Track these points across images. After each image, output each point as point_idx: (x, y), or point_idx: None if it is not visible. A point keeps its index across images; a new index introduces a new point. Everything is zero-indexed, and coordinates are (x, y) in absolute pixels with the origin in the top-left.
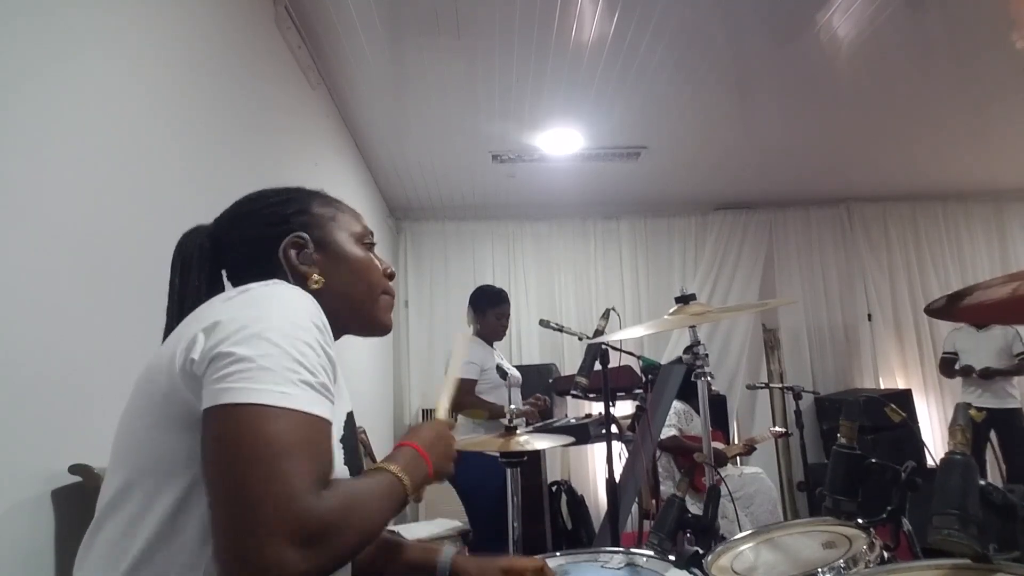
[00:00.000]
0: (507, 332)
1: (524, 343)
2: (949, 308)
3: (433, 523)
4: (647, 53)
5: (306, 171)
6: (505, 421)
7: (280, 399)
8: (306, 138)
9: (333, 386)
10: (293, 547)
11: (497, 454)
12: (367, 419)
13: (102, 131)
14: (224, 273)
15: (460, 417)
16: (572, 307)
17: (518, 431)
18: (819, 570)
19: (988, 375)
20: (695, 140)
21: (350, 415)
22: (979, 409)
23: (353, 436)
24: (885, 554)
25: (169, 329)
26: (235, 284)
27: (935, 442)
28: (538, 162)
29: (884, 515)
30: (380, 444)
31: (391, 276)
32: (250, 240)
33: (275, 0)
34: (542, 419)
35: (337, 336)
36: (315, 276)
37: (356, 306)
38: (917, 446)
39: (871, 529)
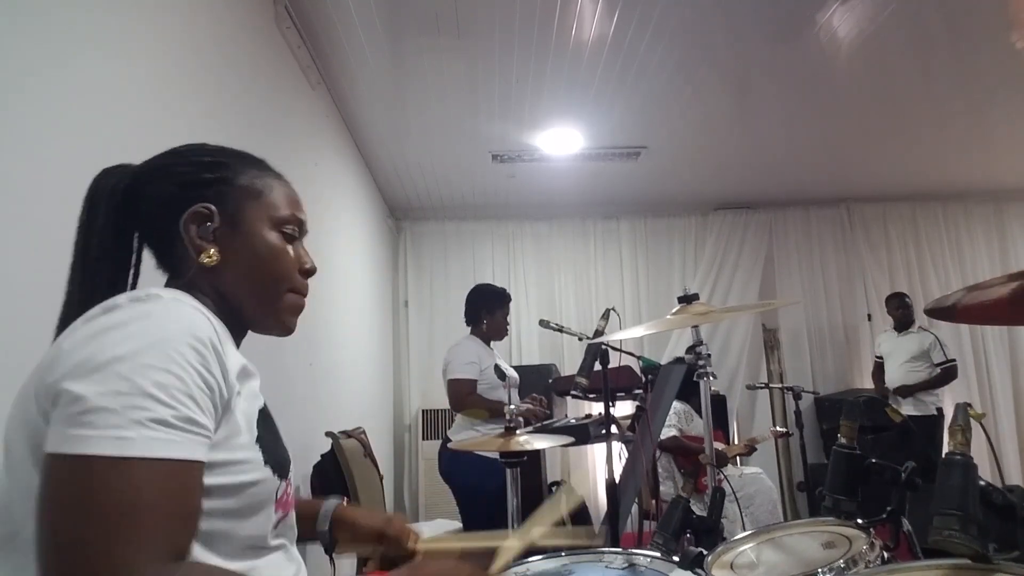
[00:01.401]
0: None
1: (524, 343)
2: (952, 308)
3: (433, 523)
4: (647, 53)
5: (306, 171)
6: (507, 420)
7: (119, 447)
8: (306, 138)
9: (210, 416)
10: None
11: (496, 455)
12: (367, 419)
13: (102, 131)
14: (136, 237)
15: (458, 417)
16: (572, 307)
17: (518, 431)
18: (819, 570)
19: (903, 393)
20: (695, 140)
21: (263, 411)
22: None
23: (270, 433)
24: (885, 554)
25: (66, 317)
26: (149, 252)
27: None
28: (538, 162)
29: (884, 515)
30: (380, 444)
31: (307, 273)
32: (161, 199)
33: (275, 0)
34: (544, 419)
35: (242, 332)
36: (211, 251)
37: (253, 296)
38: (922, 445)
39: (871, 529)
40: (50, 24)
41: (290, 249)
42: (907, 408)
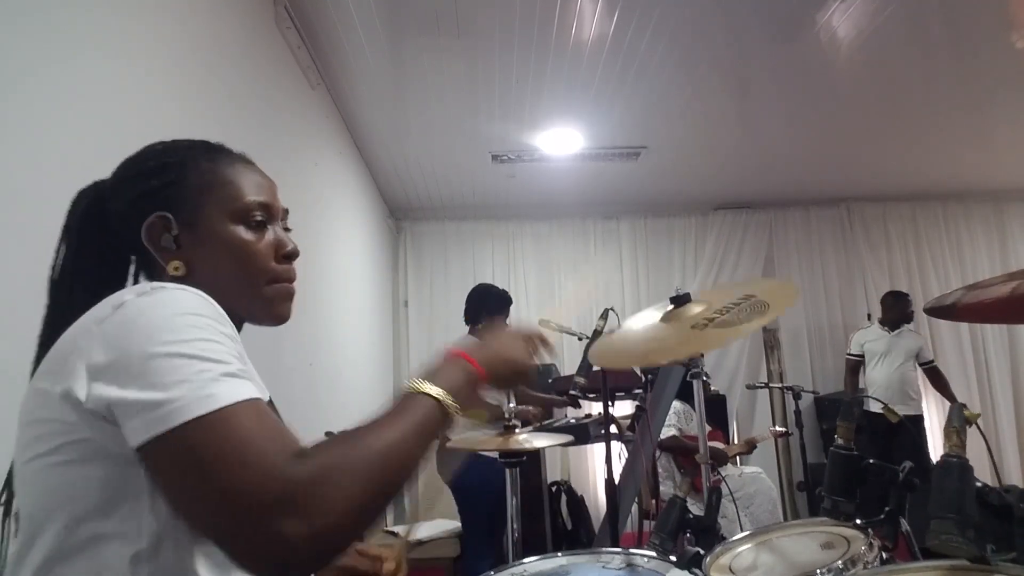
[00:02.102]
0: None
1: None
2: (952, 307)
3: (432, 523)
4: (647, 53)
5: (306, 171)
6: (506, 419)
7: (208, 404)
8: (306, 138)
9: (246, 366)
10: (292, 518)
11: (495, 456)
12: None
13: (101, 131)
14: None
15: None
16: (572, 307)
17: (517, 431)
18: (818, 571)
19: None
20: (695, 140)
21: (270, 403)
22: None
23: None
24: (883, 555)
25: (46, 340)
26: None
27: (934, 442)
28: (538, 162)
29: (882, 516)
30: None
31: (288, 257)
32: (120, 217)
33: (275, 0)
34: (544, 420)
35: (238, 324)
36: (174, 263)
37: (232, 295)
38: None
39: (869, 530)
40: (50, 24)
41: (261, 238)
42: (899, 409)
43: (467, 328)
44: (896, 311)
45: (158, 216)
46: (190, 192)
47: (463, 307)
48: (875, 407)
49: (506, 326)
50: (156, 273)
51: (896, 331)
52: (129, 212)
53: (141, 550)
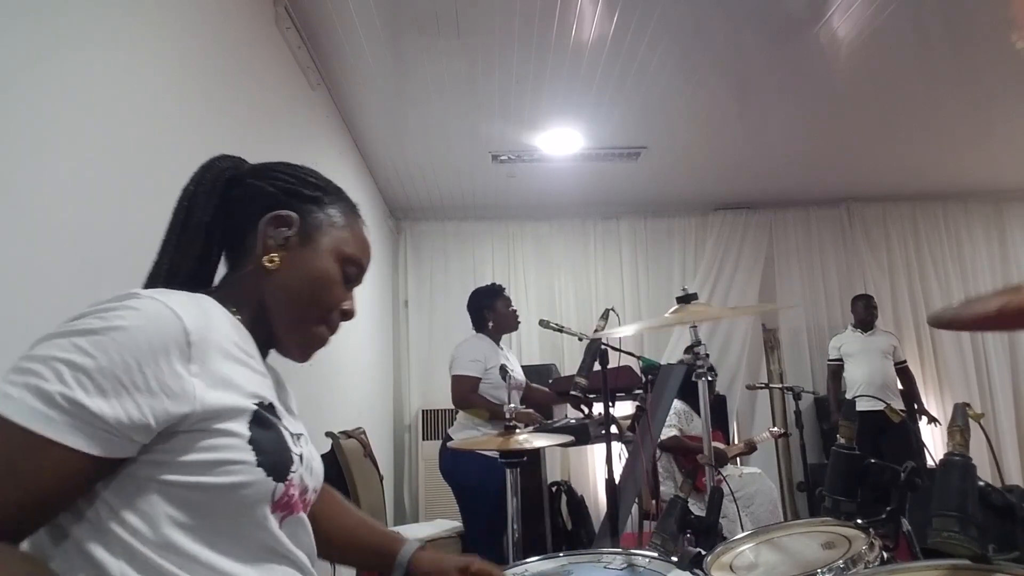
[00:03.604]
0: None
1: (524, 343)
2: (950, 321)
3: (432, 524)
4: (647, 53)
5: None
6: (507, 419)
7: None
8: (306, 138)
9: (128, 412)
10: None
11: (496, 454)
12: (367, 419)
13: (100, 130)
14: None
15: (460, 415)
16: (572, 307)
17: (517, 430)
18: (819, 571)
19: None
20: (695, 140)
21: (257, 413)
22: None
23: (269, 434)
24: (884, 554)
25: (151, 282)
26: (212, 236)
27: (935, 442)
28: (538, 162)
29: (883, 515)
30: (380, 444)
31: (345, 315)
32: (255, 193)
33: (275, 0)
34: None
35: (268, 345)
36: (273, 255)
37: (288, 314)
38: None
39: (870, 529)
40: (49, 24)
41: (341, 286)
42: (877, 404)
43: (475, 331)
44: (867, 313)
45: (288, 213)
46: (322, 217)
47: (463, 307)
48: (861, 405)
49: (510, 312)
50: (239, 252)
51: (869, 332)
52: (268, 195)
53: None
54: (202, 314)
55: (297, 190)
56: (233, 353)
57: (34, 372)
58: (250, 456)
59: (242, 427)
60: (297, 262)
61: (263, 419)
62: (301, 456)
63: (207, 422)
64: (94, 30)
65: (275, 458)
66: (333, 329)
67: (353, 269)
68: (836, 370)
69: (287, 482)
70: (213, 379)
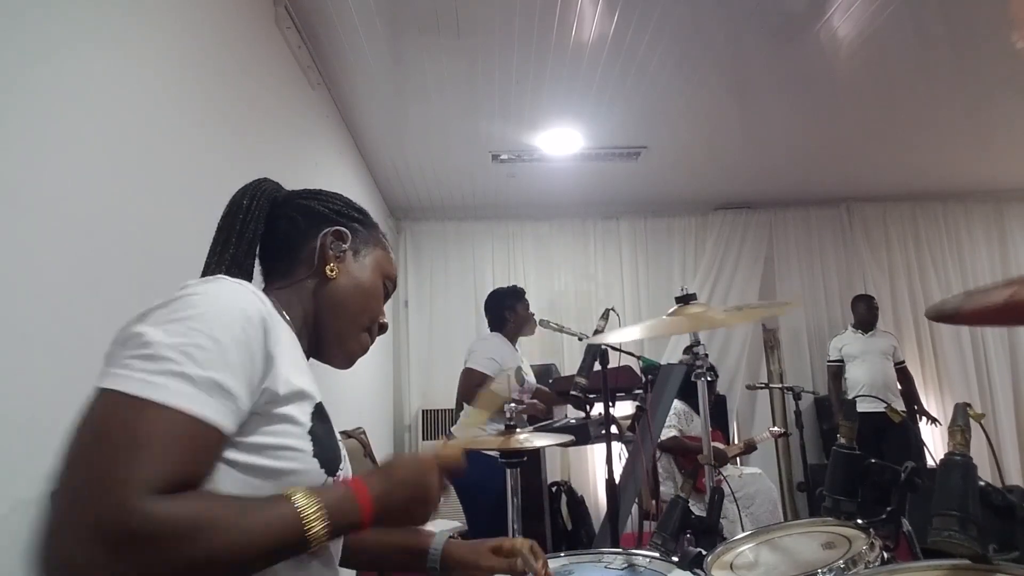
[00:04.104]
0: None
1: (524, 343)
2: (952, 314)
3: (432, 523)
4: (647, 53)
5: (306, 171)
6: (507, 417)
7: (142, 388)
8: (306, 138)
9: (244, 388)
10: (100, 545)
11: (497, 454)
12: (367, 419)
13: (100, 131)
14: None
15: (462, 414)
16: (572, 307)
17: (518, 430)
18: (819, 571)
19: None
20: (695, 140)
21: (319, 406)
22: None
23: (324, 428)
24: (885, 555)
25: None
26: (256, 249)
27: (935, 442)
28: (538, 162)
29: (884, 515)
30: (380, 444)
31: (381, 328)
32: (310, 211)
33: (275, 0)
34: (545, 417)
35: (308, 351)
36: (333, 266)
37: (338, 320)
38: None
39: (871, 529)
40: (49, 24)
41: (381, 300)
42: (878, 405)
43: (491, 331)
44: (869, 314)
45: (345, 230)
46: (369, 238)
47: (463, 307)
48: (862, 406)
49: (530, 315)
50: (291, 263)
51: (869, 332)
52: (322, 214)
53: None
54: (265, 305)
55: (346, 211)
56: (292, 347)
57: (167, 359)
58: (307, 445)
59: (305, 416)
60: (352, 273)
61: (323, 413)
62: (345, 457)
63: (276, 405)
64: (94, 30)
65: (329, 453)
66: (373, 339)
67: (390, 285)
68: (837, 371)
69: (335, 478)
70: (286, 360)
